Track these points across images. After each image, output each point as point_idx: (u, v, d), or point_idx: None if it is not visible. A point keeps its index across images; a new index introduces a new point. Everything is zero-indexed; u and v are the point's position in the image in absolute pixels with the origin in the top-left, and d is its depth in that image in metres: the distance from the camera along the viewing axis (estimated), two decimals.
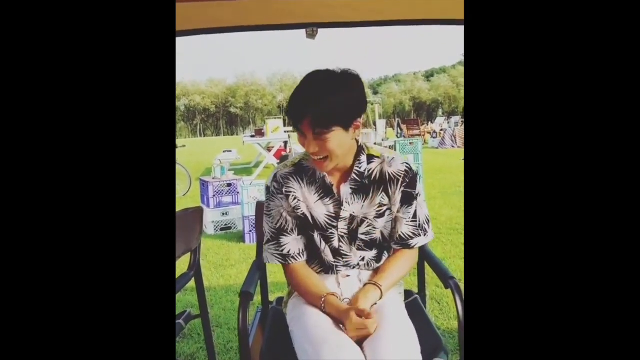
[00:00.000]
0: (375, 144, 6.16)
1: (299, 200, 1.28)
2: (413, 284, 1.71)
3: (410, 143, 5.40)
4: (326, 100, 1.11)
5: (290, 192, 1.28)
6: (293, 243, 1.30)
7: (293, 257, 1.30)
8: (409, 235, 1.30)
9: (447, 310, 2.48)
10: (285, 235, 1.30)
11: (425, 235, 1.32)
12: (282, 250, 1.30)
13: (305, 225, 1.30)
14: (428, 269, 1.57)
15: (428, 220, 1.33)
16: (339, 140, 1.16)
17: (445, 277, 1.29)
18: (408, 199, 1.28)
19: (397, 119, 19.58)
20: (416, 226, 1.30)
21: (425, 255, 1.55)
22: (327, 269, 1.33)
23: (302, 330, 1.17)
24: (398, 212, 1.29)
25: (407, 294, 1.55)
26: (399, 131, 17.31)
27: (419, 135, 16.44)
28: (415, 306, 1.47)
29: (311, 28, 1.73)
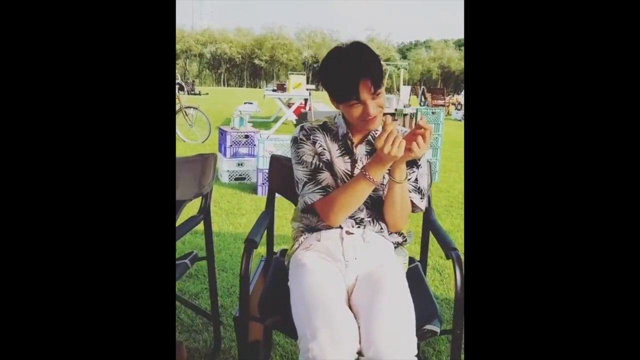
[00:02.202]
0: (396, 110, 6.06)
1: (324, 148, 1.37)
2: (416, 251, 1.74)
3: (433, 112, 5.30)
4: (377, 62, 1.24)
5: (317, 139, 1.37)
6: (329, 178, 1.35)
7: (332, 188, 1.34)
8: (408, 191, 1.35)
9: (447, 281, 2.52)
10: (321, 172, 1.35)
11: (422, 198, 1.39)
12: (322, 183, 1.34)
13: (330, 172, 1.37)
14: (432, 240, 1.59)
15: (426, 191, 1.42)
16: (384, 97, 1.29)
17: (447, 248, 1.31)
18: (410, 164, 1.37)
19: (422, 87, 19.16)
20: (415, 188, 1.39)
21: (430, 225, 1.57)
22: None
23: (299, 290, 1.18)
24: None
25: (409, 261, 1.58)
26: (423, 99, 16.98)
27: (443, 105, 16.11)
28: (415, 273, 1.49)
29: None
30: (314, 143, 1.37)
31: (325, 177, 1.35)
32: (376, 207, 1.37)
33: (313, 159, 1.36)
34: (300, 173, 1.37)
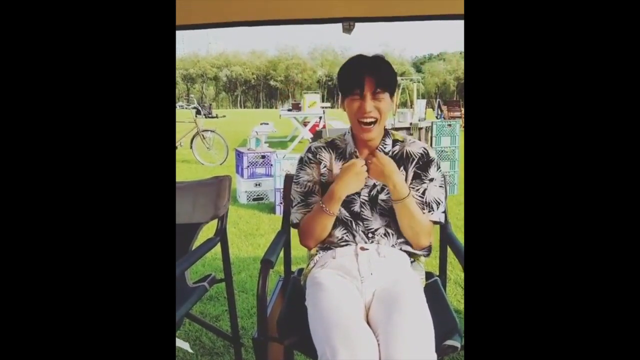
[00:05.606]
0: (411, 124, 6.05)
1: (328, 169, 1.42)
2: (436, 266, 1.71)
3: (449, 125, 5.27)
4: (385, 66, 1.33)
5: (322, 160, 1.43)
6: (318, 203, 1.40)
7: None
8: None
9: None
10: (312, 197, 1.42)
11: (430, 212, 1.39)
12: (309, 206, 1.41)
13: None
14: (450, 254, 1.57)
15: (437, 202, 1.41)
16: (387, 105, 1.33)
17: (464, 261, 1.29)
18: (418, 177, 1.41)
19: (438, 100, 19.10)
20: (422, 202, 1.39)
21: (447, 238, 1.55)
22: (349, 232, 1.38)
23: (316, 309, 1.16)
24: (410, 185, 1.39)
25: (428, 275, 1.55)
26: (439, 112, 16.89)
27: (460, 117, 15.99)
28: (434, 288, 1.47)
29: (347, 22, 1.78)
30: (319, 163, 1.43)
31: (315, 200, 1.41)
32: (392, 219, 1.37)
33: (308, 183, 1.43)
34: (295, 193, 1.45)
